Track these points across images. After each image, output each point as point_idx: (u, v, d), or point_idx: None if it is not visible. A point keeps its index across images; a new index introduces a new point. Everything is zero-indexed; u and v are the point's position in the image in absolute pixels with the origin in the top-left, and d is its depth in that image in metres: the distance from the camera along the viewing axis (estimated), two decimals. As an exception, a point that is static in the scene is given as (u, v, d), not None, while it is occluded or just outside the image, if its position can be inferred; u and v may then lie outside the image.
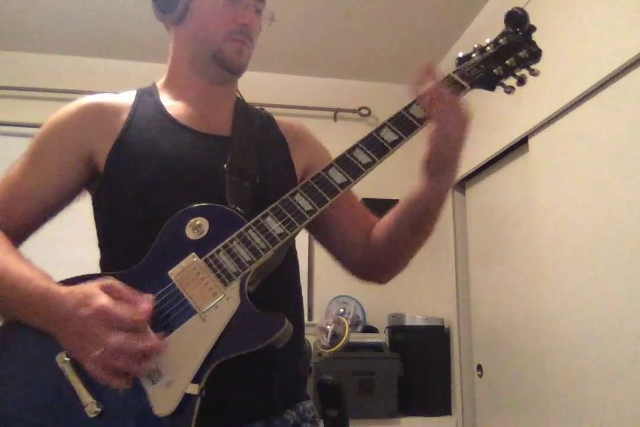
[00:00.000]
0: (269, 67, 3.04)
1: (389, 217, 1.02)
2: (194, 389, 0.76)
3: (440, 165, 0.90)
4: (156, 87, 1.08)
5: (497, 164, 2.53)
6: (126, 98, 1.03)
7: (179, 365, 0.77)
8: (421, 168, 0.92)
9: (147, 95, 1.05)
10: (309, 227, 1.03)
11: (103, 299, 0.75)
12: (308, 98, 3.14)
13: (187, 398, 0.75)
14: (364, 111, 3.20)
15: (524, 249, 2.23)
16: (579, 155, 1.84)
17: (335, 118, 3.19)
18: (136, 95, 1.04)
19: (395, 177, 2.38)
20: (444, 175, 0.91)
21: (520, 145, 2.27)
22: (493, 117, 2.37)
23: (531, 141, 2.14)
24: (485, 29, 2.58)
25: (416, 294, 3.00)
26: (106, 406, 0.77)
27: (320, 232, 1.10)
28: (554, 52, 1.92)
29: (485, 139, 2.45)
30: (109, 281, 0.79)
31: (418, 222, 0.98)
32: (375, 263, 1.07)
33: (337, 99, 3.21)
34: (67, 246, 2.50)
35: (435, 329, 2.73)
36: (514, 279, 2.32)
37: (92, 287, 0.78)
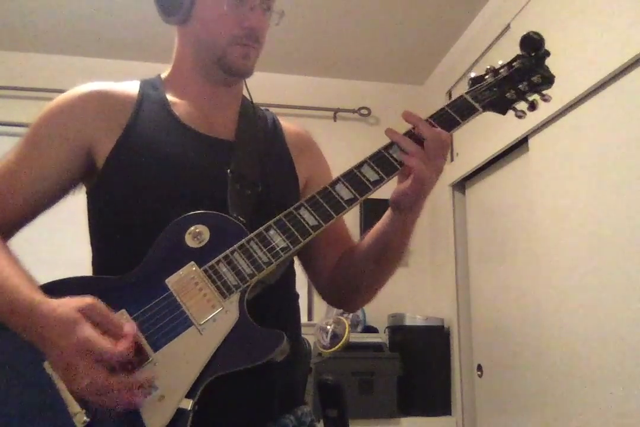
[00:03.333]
0: (269, 67, 3.03)
1: (359, 247, 1.00)
2: (187, 404, 0.73)
3: (409, 204, 0.88)
4: (161, 81, 1.04)
5: (497, 164, 2.53)
6: (130, 89, 0.99)
7: (173, 379, 0.75)
8: (390, 204, 0.90)
9: (151, 89, 1.01)
10: None
11: (85, 330, 0.71)
12: (308, 98, 3.13)
13: (180, 413, 0.73)
14: (364, 111, 3.20)
15: (524, 249, 2.23)
16: (579, 155, 1.84)
17: (335, 118, 3.19)
18: (140, 88, 1.00)
19: (395, 177, 2.38)
20: (411, 212, 0.89)
21: (520, 145, 2.27)
22: (493, 117, 2.36)
23: (531, 141, 2.14)
24: (485, 30, 2.58)
25: (416, 294, 3.00)
26: (95, 416, 0.74)
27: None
28: (553, 52, 1.91)
29: (485, 139, 2.45)
30: (89, 300, 0.75)
31: (383, 254, 0.96)
32: (340, 287, 1.03)
33: (337, 99, 3.20)
34: (62, 247, 2.49)
35: (435, 329, 2.73)
36: (514, 279, 2.32)
37: (72, 310, 0.73)
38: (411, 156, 0.83)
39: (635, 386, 1.51)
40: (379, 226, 0.95)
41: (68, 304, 0.74)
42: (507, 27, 2.31)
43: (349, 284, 1.02)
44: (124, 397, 0.71)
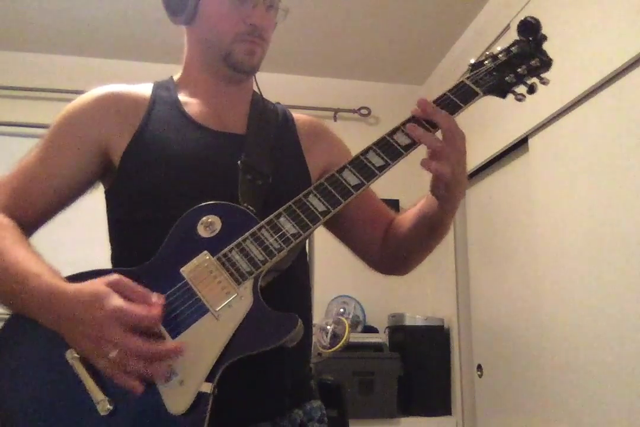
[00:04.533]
0: (268, 67, 3.03)
1: (402, 224, 1.04)
2: (207, 387, 0.76)
3: (446, 189, 0.89)
4: (174, 82, 1.07)
5: (497, 164, 2.53)
6: (143, 91, 1.02)
7: (192, 363, 0.77)
8: (430, 191, 0.92)
9: (164, 90, 1.04)
10: (326, 225, 1.04)
11: (116, 300, 0.74)
12: (308, 98, 3.13)
13: (200, 396, 0.75)
14: (364, 111, 3.21)
15: (524, 248, 2.23)
16: (579, 155, 1.84)
17: (335, 118, 3.19)
18: (153, 89, 1.03)
19: (396, 177, 2.37)
20: (451, 198, 0.91)
21: (520, 145, 2.27)
22: (493, 117, 2.37)
23: (531, 141, 2.14)
24: (485, 30, 2.58)
25: (416, 294, 3.00)
26: (118, 403, 0.76)
27: (339, 230, 1.11)
28: (554, 52, 1.91)
29: (485, 139, 2.45)
30: (115, 276, 0.78)
31: (428, 234, 0.99)
32: (393, 259, 1.08)
33: (337, 99, 3.21)
34: (73, 246, 2.50)
35: (435, 329, 2.73)
36: (514, 279, 2.32)
37: (100, 285, 0.77)
38: (425, 135, 0.86)
39: (635, 385, 1.52)
40: (421, 208, 0.98)
41: (94, 282, 0.78)
42: (507, 27, 2.31)
43: (400, 256, 1.07)
44: (156, 364, 0.74)
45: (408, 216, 1.03)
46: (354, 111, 3.20)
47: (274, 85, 3.40)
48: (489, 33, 2.51)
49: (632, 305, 1.55)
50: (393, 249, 1.06)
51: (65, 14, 2.66)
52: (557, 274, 1.91)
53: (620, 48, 1.64)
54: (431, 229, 0.98)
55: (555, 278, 1.92)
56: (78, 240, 2.45)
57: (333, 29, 2.80)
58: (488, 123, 2.41)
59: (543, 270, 2.00)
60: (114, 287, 0.77)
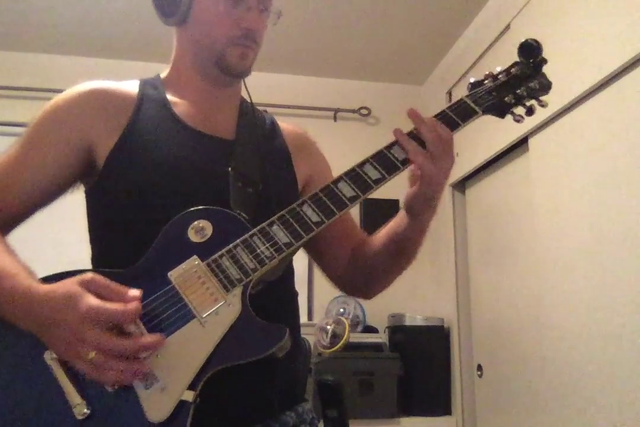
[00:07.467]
0: (269, 67, 3.04)
1: (373, 243, 1.03)
2: (189, 395, 0.74)
3: (421, 207, 0.90)
4: (161, 80, 1.05)
5: (497, 164, 2.53)
6: (130, 88, 0.99)
7: (175, 370, 0.75)
8: (403, 207, 0.92)
9: (151, 88, 1.01)
10: None
11: (90, 299, 0.72)
12: (308, 98, 3.14)
13: (182, 405, 0.73)
14: (364, 111, 3.20)
15: (524, 249, 2.23)
16: (579, 155, 1.84)
17: (335, 118, 3.19)
18: (140, 86, 1.00)
19: (395, 177, 2.38)
20: (424, 215, 0.92)
21: (520, 145, 2.27)
22: (492, 117, 2.36)
23: (531, 141, 2.14)
24: (484, 29, 2.58)
25: (416, 294, 3.00)
26: (95, 407, 0.74)
27: (307, 243, 1.10)
28: (554, 52, 1.91)
29: (485, 139, 2.45)
30: (89, 275, 0.75)
31: (398, 252, 0.99)
32: (357, 279, 1.07)
33: (337, 99, 3.21)
34: (63, 246, 2.49)
35: (435, 329, 2.73)
36: (514, 279, 2.32)
37: (72, 285, 0.74)
38: (416, 154, 0.85)
39: (635, 385, 1.51)
40: (393, 225, 0.98)
41: (67, 282, 0.75)
42: (507, 27, 2.31)
43: (365, 276, 1.05)
44: (133, 364, 0.72)
45: (379, 235, 1.02)
46: (354, 111, 3.20)
47: (274, 85, 3.42)
48: (489, 33, 2.51)
49: (632, 305, 1.55)
50: (360, 268, 1.05)
51: (65, 14, 2.66)
52: (557, 273, 1.91)
53: (620, 48, 1.64)
54: (401, 247, 0.98)
55: (555, 278, 1.92)
56: (78, 239, 2.45)
57: (333, 29, 2.80)
58: (488, 123, 2.40)
59: (543, 270, 2.00)
60: (88, 286, 0.74)
